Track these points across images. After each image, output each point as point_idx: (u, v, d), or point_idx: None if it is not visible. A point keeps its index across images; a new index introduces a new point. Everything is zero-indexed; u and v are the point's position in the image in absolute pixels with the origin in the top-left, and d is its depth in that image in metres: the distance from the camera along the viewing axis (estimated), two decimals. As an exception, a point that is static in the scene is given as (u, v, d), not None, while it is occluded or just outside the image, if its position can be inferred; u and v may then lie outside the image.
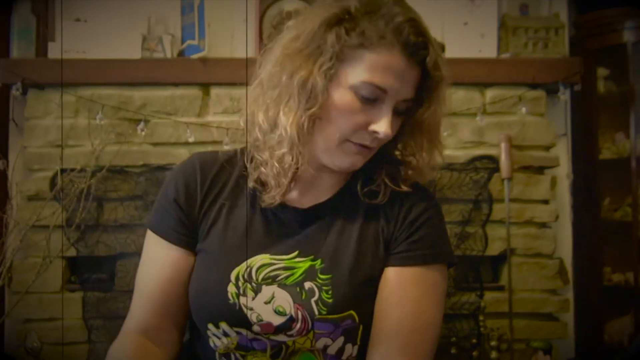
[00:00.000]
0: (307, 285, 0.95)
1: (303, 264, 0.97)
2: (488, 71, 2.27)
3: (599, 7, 2.46)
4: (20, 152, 2.20)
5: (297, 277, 0.96)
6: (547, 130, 2.31)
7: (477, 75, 2.27)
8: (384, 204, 1.01)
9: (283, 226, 1.01)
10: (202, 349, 1.04)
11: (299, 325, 0.94)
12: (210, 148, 2.06)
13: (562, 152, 2.38)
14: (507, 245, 2.24)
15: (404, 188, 1.01)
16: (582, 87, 2.31)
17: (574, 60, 2.30)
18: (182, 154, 2.18)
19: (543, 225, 2.32)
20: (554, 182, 2.32)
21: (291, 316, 0.94)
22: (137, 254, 2.13)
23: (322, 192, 1.03)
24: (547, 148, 2.33)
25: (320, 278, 0.96)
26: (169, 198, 1.03)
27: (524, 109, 2.25)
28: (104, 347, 2.14)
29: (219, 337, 0.99)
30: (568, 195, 2.41)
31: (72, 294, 2.21)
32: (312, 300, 0.94)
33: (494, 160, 2.27)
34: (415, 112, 0.97)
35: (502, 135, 2.25)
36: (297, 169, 0.96)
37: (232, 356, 0.99)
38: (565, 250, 2.40)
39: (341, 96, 0.92)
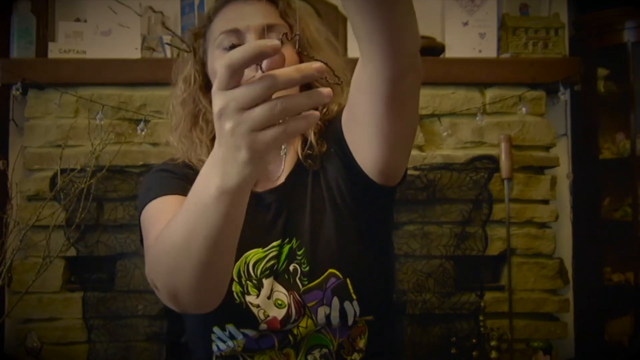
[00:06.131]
0: (292, 267, 0.98)
1: (284, 249, 1.00)
2: (488, 71, 2.27)
3: (599, 7, 2.46)
4: (20, 152, 2.20)
5: (282, 263, 0.99)
6: (547, 130, 2.31)
7: (477, 75, 2.27)
8: (329, 163, 1.02)
9: (260, 215, 1.02)
10: (201, 353, 1.03)
11: (293, 308, 0.96)
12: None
13: (562, 152, 2.38)
14: (507, 245, 2.24)
15: (323, 145, 1.03)
16: (582, 87, 2.31)
17: (574, 60, 2.30)
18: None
19: (543, 225, 2.32)
20: (554, 182, 2.31)
21: (288, 304, 0.96)
22: (137, 254, 2.16)
23: (278, 174, 1.05)
24: (547, 148, 2.33)
25: (298, 255, 0.99)
26: (157, 173, 1.06)
27: (524, 109, 2.24)
28: (104, 347, 2.14)
29: (224, 340, 0.98)
30: (568, 195, 2.41)
31: (72, 294, 2.21)
32: (297, 279, 0.97)
33: (494, 160, 2.27)
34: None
35: (502, 135, 2.24)
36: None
37: (240, 358, 0.99)
38: (565, 250, 2.40)
39: (217, 60, 1.01)
